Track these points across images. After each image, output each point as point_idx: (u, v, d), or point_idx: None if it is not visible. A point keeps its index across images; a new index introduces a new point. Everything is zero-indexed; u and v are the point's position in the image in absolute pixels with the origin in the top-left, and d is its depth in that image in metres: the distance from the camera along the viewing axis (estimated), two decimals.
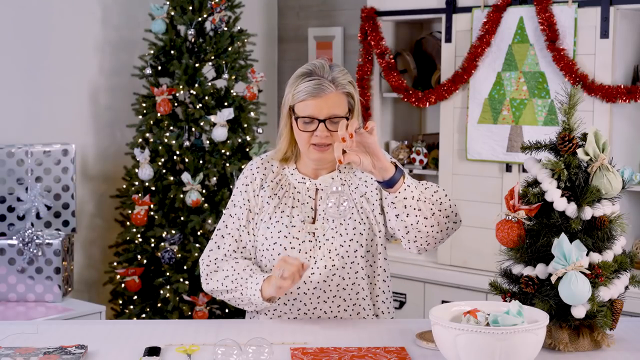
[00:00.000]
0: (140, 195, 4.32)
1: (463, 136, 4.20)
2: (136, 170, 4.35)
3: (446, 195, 2.40)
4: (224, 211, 2.60)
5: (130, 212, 4.37)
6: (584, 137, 2.23)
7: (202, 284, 2.56)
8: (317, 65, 2.41)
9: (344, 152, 2.21)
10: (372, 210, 2.49)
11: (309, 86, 2.37)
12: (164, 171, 4.39)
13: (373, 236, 2.49)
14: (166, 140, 4.35)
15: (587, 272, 2.11)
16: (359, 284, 2.48)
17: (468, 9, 4.16)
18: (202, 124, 4.33)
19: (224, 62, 4.41)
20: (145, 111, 4.41)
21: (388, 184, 2.29)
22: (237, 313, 4.40)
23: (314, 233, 2.46)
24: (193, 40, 4.41)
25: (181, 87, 4.33)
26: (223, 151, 4.37)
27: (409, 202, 2.30)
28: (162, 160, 4.38)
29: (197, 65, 4.40)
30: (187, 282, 4.26)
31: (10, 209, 3.92)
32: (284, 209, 2.49)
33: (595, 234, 2.19)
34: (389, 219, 2.41)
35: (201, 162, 4.38)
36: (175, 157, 4.40)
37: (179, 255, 4.29)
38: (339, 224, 2.45)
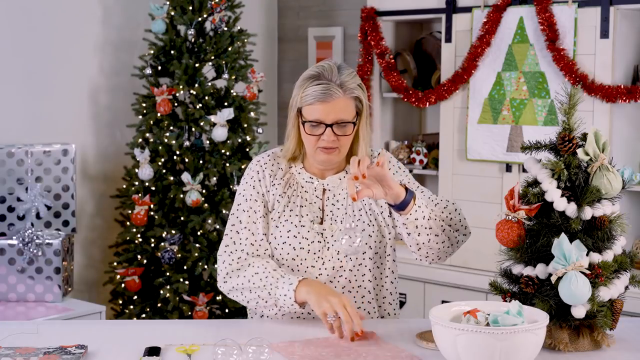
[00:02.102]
0: (140, 195, 4.32)
1: (463, 136, 4.20)
2: (136, 170, 4.35)
3: (455, 210, 2.46)
4: (234, 207, 2.52)
5: (130, 212, 4.37)
6: (584, 137, 2.23)
7: (219, 282, 2.47)
8: (326, 68, 2.39)
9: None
10: (381, 213, 2.49)
11: (317, 90, 2.36)
12: (164, 171, 4.39)
13: (381, 238, 2.48)
14: (166, 140, 4.35)
15: (587, 272, 2.11)
16: (365, 287, 2.48)
17: (468, 9, 4.16)
18: (202, 124, 4.33)
19: (224, 62, 4.41)
20: (145, 111, 4.41)
21: (400, 207, 2.33)
22: (237, 313, 4.40)
23: (322, 234, 2.46)
24: (193, 40, 4.41)
25: (181, 87, 4.33)
26: (223, 151, 4.37)
27: (420, 222, 2.35)
28: (162, 160, 4.38)
29: (197, 65, 4.40)
30: (187, 282, 4.26)
31: (10, 209, 3.92)
32: (293, 208, 2.47)
33: (595, 234, 2.19)
34: (399, 232, 2.45)
35: (201, 162, 4.38)
36: (175, 157, 4.40)
37: (179, 255, 4.29)
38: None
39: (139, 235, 4.37)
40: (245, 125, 4.46)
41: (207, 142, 4.37)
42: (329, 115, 2.37)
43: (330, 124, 2.37)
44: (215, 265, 4.30)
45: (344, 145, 2.42)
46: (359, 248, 2.21)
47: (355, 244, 2.20)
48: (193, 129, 4.39)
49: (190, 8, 4.43)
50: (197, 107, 4.36)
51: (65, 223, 3.96)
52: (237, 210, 2.51)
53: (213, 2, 4.36)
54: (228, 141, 4.36)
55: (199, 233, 4.33)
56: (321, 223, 2.47)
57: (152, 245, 4.36)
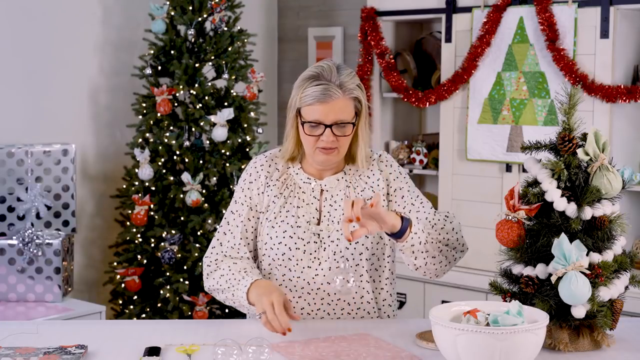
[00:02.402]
0: (140, 195, 4.32)
1: (463, 136, 4.20)
2: (136, 170, 4.35)
3: (453, 229, 2.46)
4: (227, 208, 2.58)
5: (130, 212, 4.37)
6: (584, 137, 2.23)
7: (204, 281, 2.55)
8: (325, 68, 2.39)
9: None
10: None
11: (316, 91, 2.36)
12: (164, 171, 4.39)
13: (379, 239, 2.49)
14: (166, 140, 4.35)
15: (587, 272, 2.11)
16: (363, 287, 2.48)
17: (468, 9, 4.16)
18: (202, 124, 4.33)
19: (224, 62, 4.41)
20: (145, 111, 4.41)
21: (396, 235, 2.34)
22: (237, 313, 4.40)
23: (319, 234, 2.46)
24: (193, 40, 4.41)
25: (181, 87, 4.33)
26: (223, 151, 4.37)
27: (416, 247, 2.36)
28: (162, 160, 4.38)
29: (197, 65, 4.40)
30: (187, 282, 4.26)
31: (10, 209, 3.92)
32: (289, 209, 2.48)
33: (595, 234, 2.19)
34: (398, 255, 2.47)
35: (201, 162, 4.38)
36: (175, 157, 4.40)
37: (179, 255, 4.29)
38: None
39: (139, 235, 4.37)
40: (245, 125, 4.46)
41: (207, 142, 4.37)
42: (329, 115, 2.37)
43: (329, 125, 2.37)
44: None
45: (343, 146, 2.43)
46: (351, 289, 2.21)
47: (349, 285, 2.20)
48: (193, 129, 4.39)
49: (190, 8, 4.43)
50: (197, 107, 4.36)
51: (65, 223, 3.96)
52: (228, 211, 2.57)
53: (213, 2, 4.36)
54: (228, 141, 4.36)
55: (199, 233, 4.33)
56: (318, 224, 2.47)
57: (152, 245, 4.36)
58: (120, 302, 4.44)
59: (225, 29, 4.42)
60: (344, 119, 2.39)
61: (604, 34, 3.75)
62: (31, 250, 3.72)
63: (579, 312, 2.11)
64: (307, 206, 2.48)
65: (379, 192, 2.32)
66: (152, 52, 4.43)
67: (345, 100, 2.39)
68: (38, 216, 3.90)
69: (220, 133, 4.28)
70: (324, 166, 2.48)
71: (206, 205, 4.31)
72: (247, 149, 4.46)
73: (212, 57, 4.40)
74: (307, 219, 2.46)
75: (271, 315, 2.24)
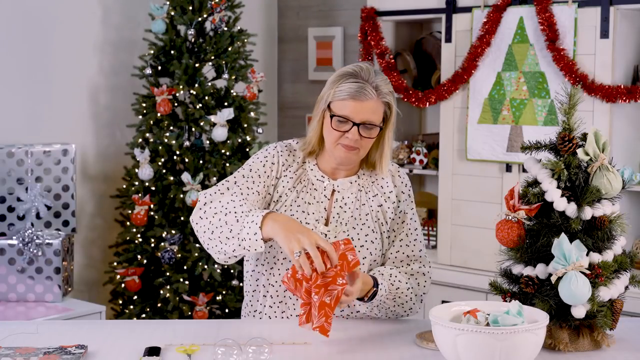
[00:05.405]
0: (140, 195, 4.32)
1: (463, 136, 4.20)
2: (136, 170, 4.35)
3: (409, 301, 2.47)
4: (237, 170, 2.47)
5: (130, 212, 4.37)
6: (584, 137, 2.23)
7: (194, 215, 2.38)
8: (363, 69, 2.41)
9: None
10: (383, 224, 2.50)
11: (352, 88, 2.37)
12: (164, 171, 4.39)
13: (380, 247, 2.49)
14: (166, 140, 4.35)
15: (587, 272, 2.11)
16: None
17: (468, 9, 4.16)
18: (202, 124, 4.33)
19: (224, 62, 4.41)
20: (145, 111, 4.41)
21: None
22: (237, 313, 4.40)
23: (326, 234, 2.45)
24: (193, 40, 4.41)
25: (181, 87, 4.33)
26: (223, 151, 4.37)
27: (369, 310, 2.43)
28: (162, 160, 4.38)
29: (197, 65, 4.40)
30: (187, 282, 4.26)
31: (10, 209, 3.92)
32: (300, 204, 2.47)
33: (595, 234, 2.19)
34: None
35: (201, 162, 4.38)
36: (175, 157, 4.40)
37: (179, 255, 4.29)
38: (352, 228, 2.45)
39: (139, 235, 4.37)
40: (245, 125, 4.46)
41: (207, 142, 4.37)
42: (359, 114, 2.37)
43: (358, 123, 2.38)
44: (215, 265, 4.31)
45: (365, 147, 2.43)
46: None
47: None
48: (193, 129, 4.39)
49: (190, 8, 4.43)
50: (197, 107, 4.36)
51: (65, 223, 3.96)
52: (238, 172, 2.47)
53: (213, 2, 4.36)
54: (228, 141, 4.36)
55: None
56: (326, 224, 2.47)
57: (152, 245, 4.36)
58: (120, 302, 4.44)
59: (225, 29, 4.42)
60: (372, 120, 2.39)
61: (604, 34, 3.75)
62: (31, 250, 3.72)
63: (579, 312, 2.12)
64: (317, 204, 2.47)
65: (404, 176, 2.49)
66: (152, 52, 4.43)
67: (377, 103, 2.40)
68: (38, 216, 3.90)
69: (220, 133, 4.28)
70: (341, 164, 2.47)
71: None
72: (247, 149, 4.46)
73: (212, 57, 4.40)
74: (315, 217, 2.46)
75: (315, 252, 2.13)
